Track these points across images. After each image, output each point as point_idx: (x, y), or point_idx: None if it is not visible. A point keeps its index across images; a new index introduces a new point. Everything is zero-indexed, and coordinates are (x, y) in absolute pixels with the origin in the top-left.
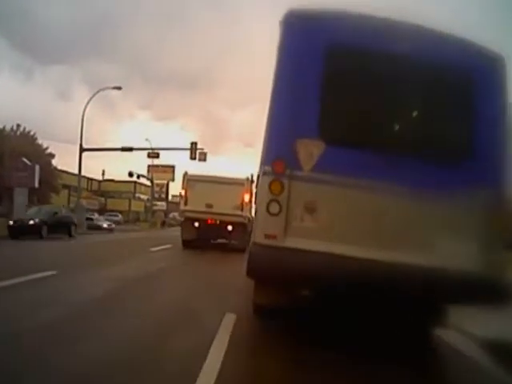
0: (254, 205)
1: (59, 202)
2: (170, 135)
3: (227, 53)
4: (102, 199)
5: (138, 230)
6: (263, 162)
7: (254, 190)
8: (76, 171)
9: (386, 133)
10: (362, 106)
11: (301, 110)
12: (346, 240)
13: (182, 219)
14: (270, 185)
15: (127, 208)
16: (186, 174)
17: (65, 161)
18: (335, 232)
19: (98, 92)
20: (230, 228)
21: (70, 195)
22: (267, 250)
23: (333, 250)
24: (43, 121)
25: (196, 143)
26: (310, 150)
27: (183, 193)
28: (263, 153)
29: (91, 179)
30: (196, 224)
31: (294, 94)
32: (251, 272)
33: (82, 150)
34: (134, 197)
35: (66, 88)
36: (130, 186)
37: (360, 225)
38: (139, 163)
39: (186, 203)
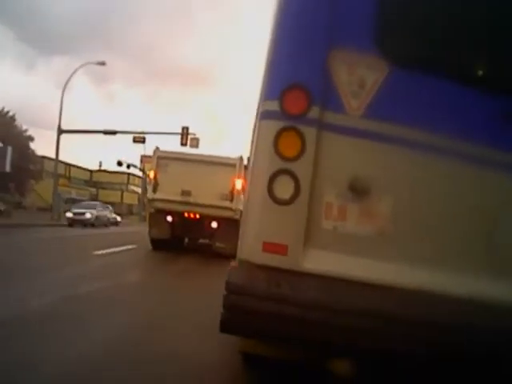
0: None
1: (42, 191)
2: (169, 128)
3: (230, 49)
4: (94, 190)
5: (122, 224)
6: (264, 96)
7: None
8: (68, 159)
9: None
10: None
11: None
12: (435, 259)
13: (150, 211)
14: (276, 138)
15: (119, 200)
16: (156, 149)
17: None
18: (411, 242)
19: (80, 67)
20: (214, 225)
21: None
22: (267, 276)
23: (408, 280)
24: (41, 110)
25: (187, 128)
26: (361, 74)
27: (152, 175)
28: (264, 80)
29: (82, 168)
30: (169, 218)
31: None
32: (231, 325)
33: (60, 131)
34: (127, 189)
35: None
36: (124, 178)
37: (462, 229)
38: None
39: (154, 190)
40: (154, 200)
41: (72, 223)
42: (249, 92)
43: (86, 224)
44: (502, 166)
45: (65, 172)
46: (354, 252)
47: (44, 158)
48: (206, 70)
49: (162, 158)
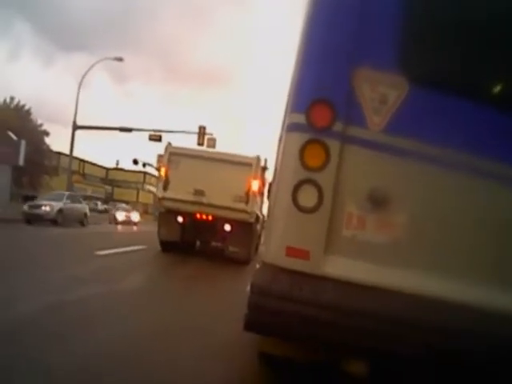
0: (265, 199)
1: (58, 187)
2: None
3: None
4: (109, 188)
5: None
6: (290, 109)
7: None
8: (86, 157)
9: None
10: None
11: (363, 15)
12: (448, 268)
13: (160, 210)
14: (302, 150)
15: (135, 199)
16: (168, 145)
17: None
18: (426, 251)
19: (97, 62)
20: (227, 228)
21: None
22: (289, 279)
23: (424, 287)
24: (60, 106)
25: (205, 127)
26: (383, 92)
27: (163, 173)
28: (291, 93)
29: (99, 166)
30: (179, 219)
31: None
32: (255, 324)
33: (75, 127)
34: (142, 188)
35: (87, 77)
36: (140, 177)
37: (474, 240)
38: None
39: (165, 187)
40: (164, 199)
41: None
42: (269, 95)
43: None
44: None
45: (78, 168)
46: (372, 259)
47: (61, 154)
48: (226, 71)
49: (174, 154)
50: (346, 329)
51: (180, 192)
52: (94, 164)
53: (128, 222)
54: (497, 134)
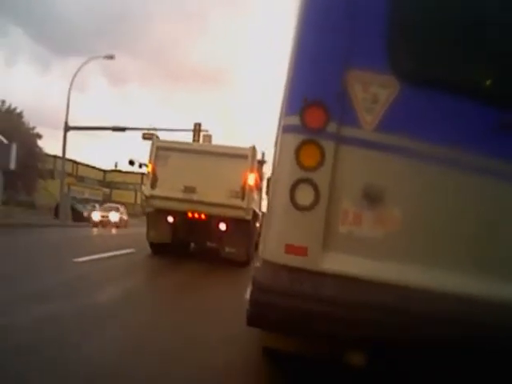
0: (264, 194)
1: (55, 191)
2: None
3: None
4: (107, 190)
5: (130, 225)
6: (285, 111)
7: (265, 177)
8: (84, 160)
9: None
10: (471, 17)
11: (353, 17)
12: (441, 260)
13: (148, 210)
14: (297, 150)
15: (133, 200)
16: (154, 139)
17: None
18: (420, 245)
19: (87, 61)
20: (223, 226)
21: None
22: (289, 275)
23: (416, 279)
24: (56, 111)
25: (200, 124)
26: (374, 92)
27: (149, 169)
28: (286, 96)
29: (96, 168)
30: (170, 219)
31: None
32: (257, 319)
33: (66, 128)
34: (140, 189)
35: (83, 80)
36: (137, 178)
37: (466, 233)
38: None
39: (153, 185)
40: (152, 197)
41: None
42: (264, 94)
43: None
44: (503, 174)
45: (72, 171)
46: (368, 254)
47: (56, 157)
48: (221, 72)
49: (161, 149)
50: (344, 322)
51: (169, 189)
52: (91, 166)
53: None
54: (487, 129)
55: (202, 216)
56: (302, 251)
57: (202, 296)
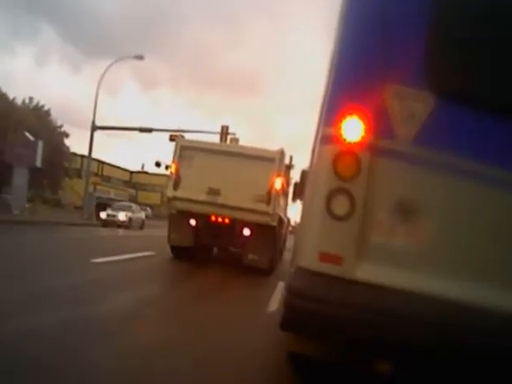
0: (288, 199)
1: (80, 190)
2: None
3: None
4: (133, 191)
5: (154, 226)
6: (324, 123)
7: (292, 181)
8: (112, 161)
9: None
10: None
11: (392, 33)
12: (472, 274)
13: (171, 212)
14: (334, 161)
15: (159, 202)
16: (179, 138)
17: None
18: (452, 258)
19: (117, 60)
20: (246, 232)
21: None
22: (324, 282)
23: (447, 291)
24: (88, 112)
25: (227, 127)
26: (411, 107)
27: (173, 169)
28: (324, 107)
29: (122, 169)
30: (192, 222)
31: (379, 12)
32: (291, 324)
33: (94, 127)
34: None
35: (114, 82)
36: (164, 180)
37: (499, 249)
38: None
39: (176, 186)
40: (174, 199)
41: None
42: (294, 104)
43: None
44: None
45: (97, 170)
46: (400, 265)
47: (83, 157)
48: (253, 78)
49: (186, 149)
50: (374, 329)
51: (192, 191)
52: (118, 167)
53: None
54: None
55: (226, 220)
56: (336, 260)
57: (220, 310)
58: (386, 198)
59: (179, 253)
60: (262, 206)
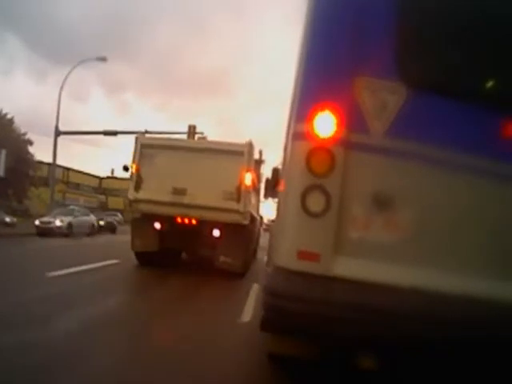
0: (260, 196)
1: (46, 198)
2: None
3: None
4: (103, 197)
5: (126, 232)
6: (295, 119)
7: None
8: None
9: None
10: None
11: (361, 25)
12: (450, 263)
13: (134, 216)
14: (308, 157)
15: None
16: (138, 136)
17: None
18: (429, 249)
19: (78, 64)
20: (216, 233)
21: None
22: (301, 280)
23: (424, 282)
24: (53, 119)
25: (194, 126)
26: (383, 98)
27: (133, 170)
28: (295, 103)
29: (91, 175)
30: (157, 225)
31: (348, 4)
32: (271, 324)
33: (57, 133)
34: None
35: (81, 89)
36: None
37: (475, 237)
38: None
39: (137, 188)
40: (136, 201)
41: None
42: (260, 99)
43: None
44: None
45: (63, 177)
46: (378, 258)
47: (50, 164)
48: (218, 77)
49: (146, 147)
50: (354, 325)
51: (156, 192)
52: (87, 173)
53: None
54: (494, 134)
55: (193, 221)
56: (314, 257)
57: (186, 326)
58: (361, 192)
59: (145, 259)
60: (232, 204)
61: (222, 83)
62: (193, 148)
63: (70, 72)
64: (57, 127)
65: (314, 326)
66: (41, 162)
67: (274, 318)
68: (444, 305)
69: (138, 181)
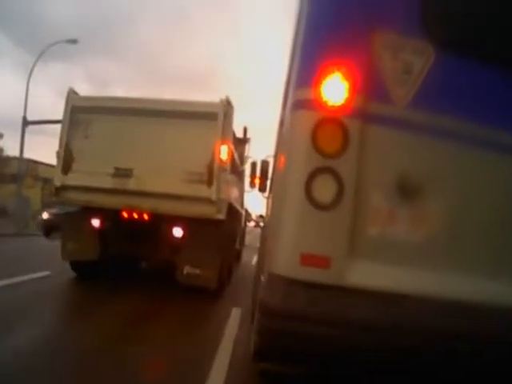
0: (245, 184)
1: (32, 196)
2: None
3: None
4: None
5: None
6: (296, 83)
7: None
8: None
9: None
10: None
11: None
12: (501, 270)
13: (66, 210)
14: (314, 132)
15: None
16: (70, 94)
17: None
18: (470, 249)
19: (47, 48)
20: (178, 232)
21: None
22: (306, 293)
23: (468, 293)
24: (37, 116)
25: None
26: (406, 60)
27: (61, 144)
28: (296, 65)
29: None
30: (95, 222)
31: None
32: (268, 353)
33: (25, 123)
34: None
35: (66, 85)
36: None
37: None
38: None
39: (65, 170)
40: (64, 188)
41: None
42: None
43: None
44: None
45: (34, 172)
46: (406, 262)
47: (29, 160)
48: (204, 76)
49: (79, 111)
50: (381, 351)
51: (91, 175)
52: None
53: None
54: None
55: (145, 216)
56: (322, 262)
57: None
58: (382, 176)
59: (83, 271)
60: (201, 189)
61: (210, 79)
62: (144, 110)
63: (38, 58)
64: (24, 117)
65: (325, 352)
66: (9, 158)
67: (272, 343)
68: (498, 320)
69: (66, 160)
